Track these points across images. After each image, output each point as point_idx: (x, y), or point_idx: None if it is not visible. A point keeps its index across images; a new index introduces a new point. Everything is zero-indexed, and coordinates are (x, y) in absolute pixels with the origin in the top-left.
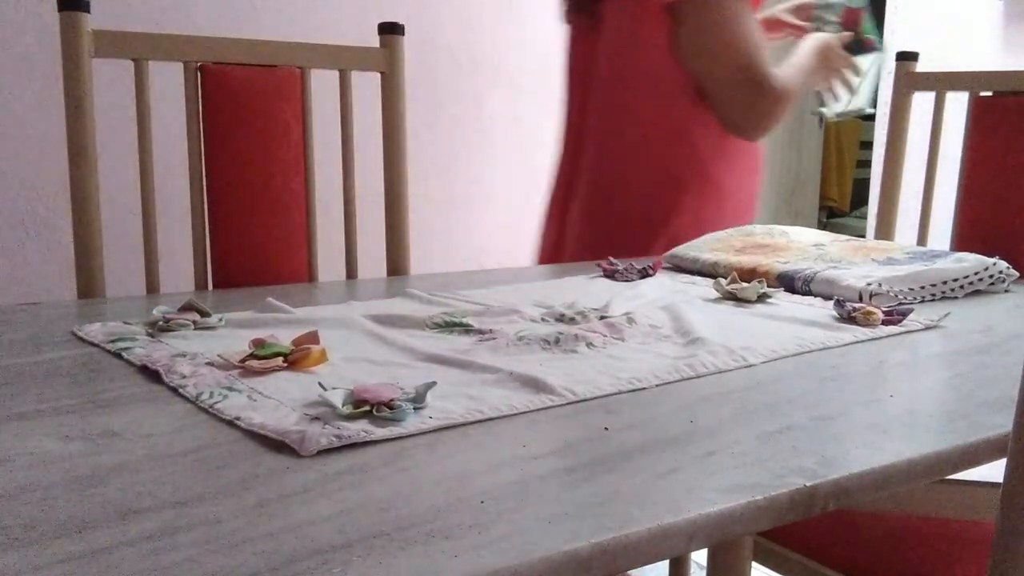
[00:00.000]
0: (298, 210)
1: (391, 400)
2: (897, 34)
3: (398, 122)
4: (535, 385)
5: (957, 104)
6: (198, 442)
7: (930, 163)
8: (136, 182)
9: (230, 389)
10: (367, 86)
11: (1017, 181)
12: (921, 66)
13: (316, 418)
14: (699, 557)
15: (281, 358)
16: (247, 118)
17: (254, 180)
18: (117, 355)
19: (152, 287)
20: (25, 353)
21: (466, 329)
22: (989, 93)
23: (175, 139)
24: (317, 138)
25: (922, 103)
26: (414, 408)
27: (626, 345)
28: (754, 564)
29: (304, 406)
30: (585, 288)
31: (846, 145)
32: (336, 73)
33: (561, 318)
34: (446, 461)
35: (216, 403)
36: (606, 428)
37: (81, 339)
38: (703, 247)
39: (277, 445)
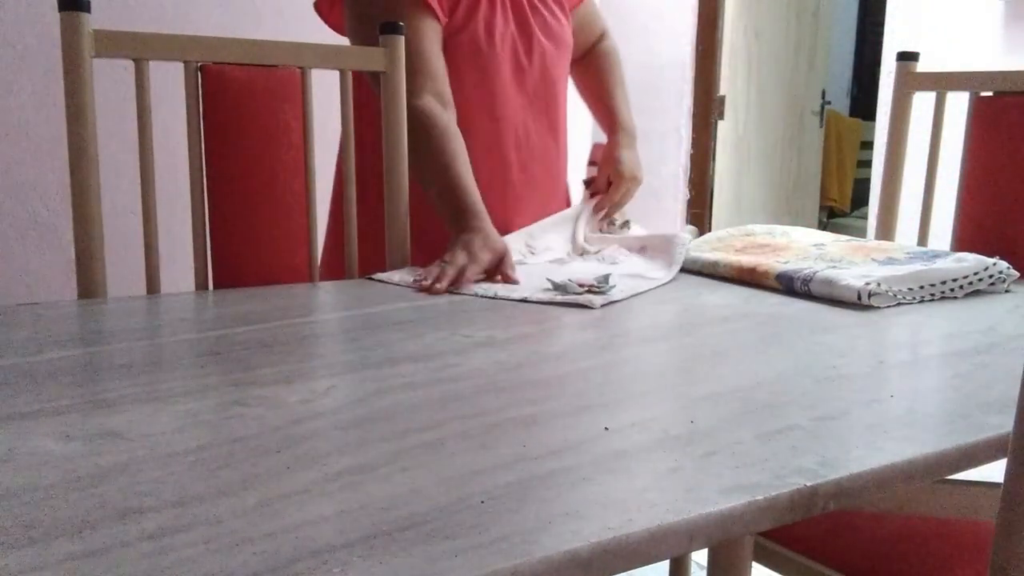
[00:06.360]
0: (298, 210)
1: (591, 285)
2: (897, 34)
3: (398, 122)
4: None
5: (957, 104)
6: (198, 442)
7: (930, 163)
8: (136, 182)
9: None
10: None
11: (1017, 181)
12: (921, 66)
13: (561, 289)
14: (699, 557)
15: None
16: (247, 118)
17: (254, 180)
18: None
19: (152, 287)
20: (25, 353)
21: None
22: (989, 93)
23: (175, 139)
24: (317, 138)
25: (922, 103)
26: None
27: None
28: (754, 564)
29: (543, 291)
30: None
31: (846, 145)
32: (336, 73)
33: (583, 254)
34: (446, 461)
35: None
36: (606, 428)
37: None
38: (704, 246)
39: (277, 445)
